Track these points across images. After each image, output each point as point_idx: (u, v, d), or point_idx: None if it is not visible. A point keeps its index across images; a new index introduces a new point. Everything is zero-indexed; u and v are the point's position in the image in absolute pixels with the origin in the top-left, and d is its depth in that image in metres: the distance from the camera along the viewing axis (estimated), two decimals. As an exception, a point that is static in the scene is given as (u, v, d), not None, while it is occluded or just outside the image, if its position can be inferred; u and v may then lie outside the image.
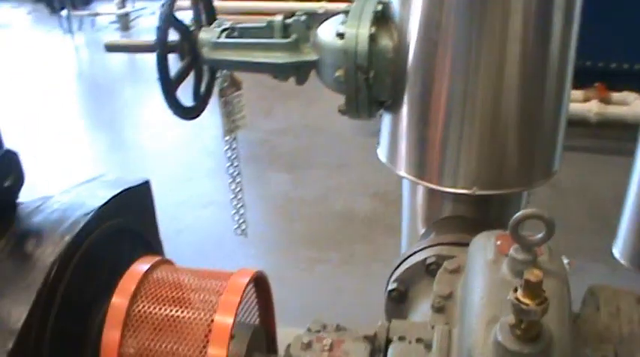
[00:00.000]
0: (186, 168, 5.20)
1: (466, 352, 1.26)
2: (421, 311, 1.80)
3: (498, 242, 1.40)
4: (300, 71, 2.10)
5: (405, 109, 1.95)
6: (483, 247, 1.42)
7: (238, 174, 2.68)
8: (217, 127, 2.50)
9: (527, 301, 1.15)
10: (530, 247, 1.31)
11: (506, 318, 1.21)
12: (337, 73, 1.92)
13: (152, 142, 5.67)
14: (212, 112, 2.51)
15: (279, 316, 1.82)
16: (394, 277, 1.98)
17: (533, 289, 1.14)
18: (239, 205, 2.76)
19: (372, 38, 1.86)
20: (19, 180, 1.81)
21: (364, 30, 1.86)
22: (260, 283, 1.88)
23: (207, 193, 4.75)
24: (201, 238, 4.30)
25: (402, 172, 2.04)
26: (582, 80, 5.01)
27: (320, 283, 3.86)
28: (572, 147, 4.86)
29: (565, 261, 2.63)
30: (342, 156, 5.10)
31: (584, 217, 4.31)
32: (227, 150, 2.61)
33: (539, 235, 1.29)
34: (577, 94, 5.00)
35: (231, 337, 1.62)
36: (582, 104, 5.07)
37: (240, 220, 2.80)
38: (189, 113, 2.31)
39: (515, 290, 1.17)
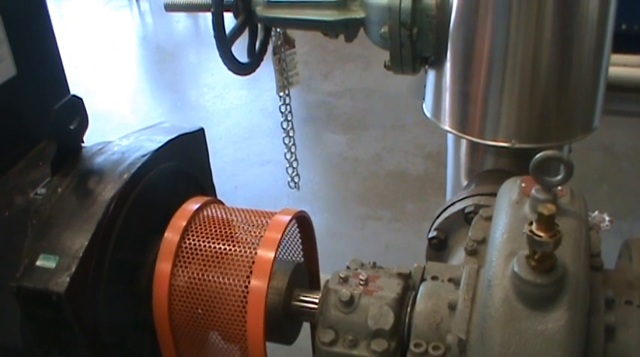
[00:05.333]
0: (245, 127, 5.27)
1: (486, 283, 1.34)
2: (459, 258, 1.86)
3: (523, 184, 1.47)
4: (348, 28, 2.16)
5: (447, 65, 2.02)
6: (509, 189, 1.50)
7: (292, 129, 2.76)
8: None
9: (540, 233, 1.23)
10: (551, 188, 1.38)
11: (523, 252, 1.29)
12: (382, 30, 1.99)
13: (213, 103, 5.76)
14: (271, 76, 2.60)
15: (329, 267, 1.89)
16: (435, 225, 2.05)
17: (546, 222, 1.22)
18: (292, 159, 2.85)
19: (416, -5, 1.92)
20: (83, 123, 1.91)
21: (408, -13, 1.93)
22: (303, 224, 1.98)
23: (265, 151, 4.83)
24: (257, 194, 4.38)
25: (446, 126, 2.10)
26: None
27: (370, 239, 3.93)
28: (627, 112, 4.86)
29: (607, 218, 2.69)
30: (398, 118, 5.12)
31: (637, 181, 4.28)
32: (281, 105, 2.70)
33: (559, 177, 1.36)
34: (634, 59, 4.94)
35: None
36: (639, 69, 4.99)
37: (293, 174, 2.89)
38: (244, 69, 2.40)
39: (531, 224, 1.25)
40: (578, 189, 1.47)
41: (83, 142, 1.99)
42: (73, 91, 2.10)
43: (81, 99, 1.90)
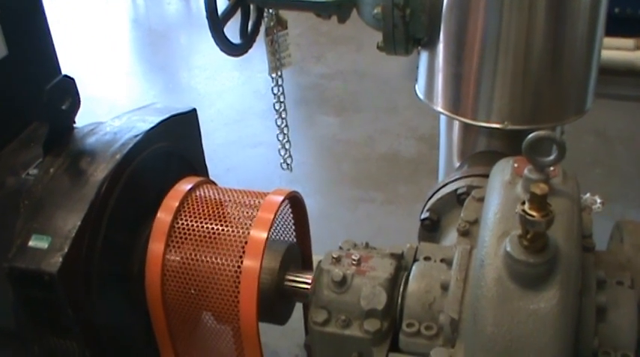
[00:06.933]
0: (238, 109, 5.25)
1: (479, 263, 1.34)
2: (451, 239, 1.87)
3: (516, 165, 1.47)
4: (341, 9, 2.15)
5: (440, 46, 2.01)
6: (502, 169, 1.50)
7: (284, 110, 2.76)
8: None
9: (532, 212, 1.22)
10: (543, 168, 1.38)
11: (516, 231, 1.29)
12: (375, 11, 1.99)
13: (205, 85, 5.73)
14: (263, 57, 2.59)
15: (322, 249, 1.90)
16: (427, 206, 2.06)
17: (538, 202, 1.22)
18: (285, 141, 2.85)
19: (408, -24, 1.92)
20: (75, 104, 1.91)
21: (400, -32, 1.92)
22: (296, 204, 1.98)
23: (257, 133, 4.81)
24: (249, 176, 4.36)
25: (439, 108, 2.10)
26: (633, 29, 4.95)
27: (363, 221, 3.93)
28: (621, 96, 4.86)
29: (598, 200, 2.70)
30: (390, 100, 5.10)
31: (630, 165, 4.27)
32: (273, 87, 2.69)
33: (552, 157, 1.36)
34: (627, 42, 4.93)
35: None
36: (633, 52, 4.99)
37: (286, 155, 2.89)
38: (236, 50, 2.39)
39: (523, 203, 1.25)
40: (570, 170, 1.47)
41: (75, 122, 1.99)
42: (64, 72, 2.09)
43: (73, 79, 1.90)
